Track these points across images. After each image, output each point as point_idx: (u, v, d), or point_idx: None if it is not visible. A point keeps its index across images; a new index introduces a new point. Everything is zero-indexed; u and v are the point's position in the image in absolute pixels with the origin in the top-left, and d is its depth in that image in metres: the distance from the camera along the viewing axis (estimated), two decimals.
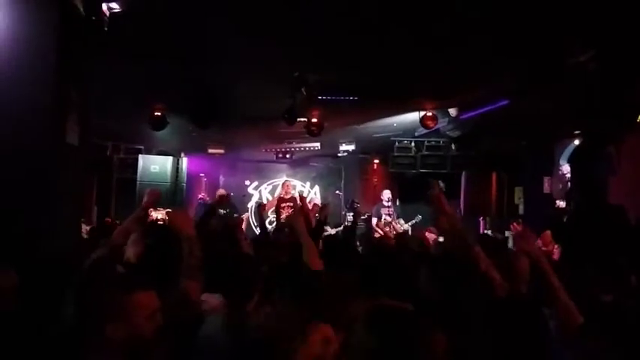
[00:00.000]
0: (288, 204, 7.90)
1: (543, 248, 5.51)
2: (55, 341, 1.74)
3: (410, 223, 8.62)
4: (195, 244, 2.12)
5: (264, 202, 10.02)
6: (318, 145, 9.03)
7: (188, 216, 2.42)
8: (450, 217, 2.55)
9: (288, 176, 11.87)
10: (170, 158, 9.05)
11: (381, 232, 8.29)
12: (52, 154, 3.26)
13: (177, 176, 9.10)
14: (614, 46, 4.22)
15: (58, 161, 3.34)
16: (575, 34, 4.22)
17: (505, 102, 6.05)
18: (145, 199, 2.87)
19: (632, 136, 6.04)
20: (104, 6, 3.71)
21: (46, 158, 3.20)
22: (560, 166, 8.34)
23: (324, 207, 4.26)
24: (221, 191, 8.66)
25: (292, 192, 8.43)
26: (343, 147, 9.34)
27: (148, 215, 3.64)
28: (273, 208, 7.88)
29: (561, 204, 7.63)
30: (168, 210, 4.16)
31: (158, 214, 7.14)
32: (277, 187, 11.29)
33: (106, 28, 3.71)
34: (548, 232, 5.65)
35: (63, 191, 3.41)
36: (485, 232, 9.00)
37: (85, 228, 5.89)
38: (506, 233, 7.79)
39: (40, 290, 2.15)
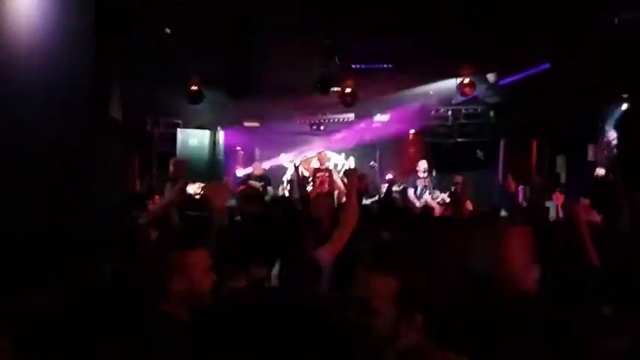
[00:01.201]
0: (323, 174, 7.96)
1: (587, 218, 5.36)
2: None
3: (447, 194, 8.50)
4: (224, 216, 2.21)
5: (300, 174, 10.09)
6: (352, 115, 8.98)
7: (223, 189, 2.43)
8: None
9: (322, 148, 11.90)
10: (207, 132, 9.23)
11: (418, 204, 8.19)
12: (93, 128, 3.40)
13: (214, 150, 9.29)
14: None
15: (100, 136, 3.49)
16: None
17: (546, 66, 5.82)
18: (171, 168, 2.98)
19: None
20: None
21: (88, 133, 3.34)
22: (606, 132, 7.99)
23: (362, 177, 4.28)
24: (257, 165, 8.78)
25: (327, 163, 8.47)
26: (378, 117, 9.25)
27: (186, 187, 3.74)
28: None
29: (601, 172, 7.31)
30: (203, 184, 4.30)
31: (192, 189, 7.33)
32: (313, 160, 11.37)
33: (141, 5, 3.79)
34: (586, 202, 5.47)
35: (108, 163, 3.57)
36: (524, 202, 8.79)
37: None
38: (547, 203, 7.59)
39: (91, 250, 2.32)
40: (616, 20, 4.29)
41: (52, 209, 2.93)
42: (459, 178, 8.10)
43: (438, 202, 7.76)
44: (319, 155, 8.67)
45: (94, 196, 3.24)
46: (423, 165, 8.69)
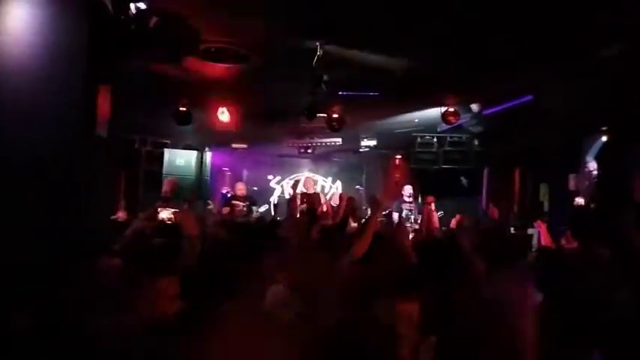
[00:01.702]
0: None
1: (567, 246, 5.45)
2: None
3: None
4: (196, 244, 2.21)
5: (287, 196, 10.13)
6: (339, 140, 9.10)
7: (192, 216, 2.46)
8: None
9: (310, 171, 11.98)
10: (195, 152, 9.28)
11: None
12: (83, 146, 3.40)
13: (201, 170, 9.32)
14: None
15: (89, 153, 3.49)
16: (601, 28, 4.16)
17: (529, 97, 5.99)
18: (165, 187, 3.00)
19: None
20: (132, 5, 3.85)
21: (77, 150, 3.35)
22: (587, 163, 8.18)
23: (350, 200, 4.39)
24: (240, 185, 8.79)
25: (314, 187, 8.53)
26: (364, 142, 9.38)
27: (157, 214, 3.74)
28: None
29: (580, 201, 7.48)
30: (175, 210, 4.36)
31: (165, 214, 7.30)
32: (299, 182, 11.41)
33: (133, 27, 3.86)
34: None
35: (93, 182, 3.57)
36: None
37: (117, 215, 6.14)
38: (530, 230, 7.69)
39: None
40: (596, 56, 4.46)
41: (36, 226, 2.92)
42: (430, 199, 8.28)
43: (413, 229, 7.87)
44: (306, 180, 8.73)
45: (80, 215, 3.23)
46: (408, 190, 8.80)
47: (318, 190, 11.92)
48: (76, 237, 3.00)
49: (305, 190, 8.40)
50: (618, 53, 4.17)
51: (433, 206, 6.06)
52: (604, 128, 7.24)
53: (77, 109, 3.34)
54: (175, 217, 2.73)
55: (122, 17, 3.85)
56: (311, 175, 11.94)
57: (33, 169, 3.02)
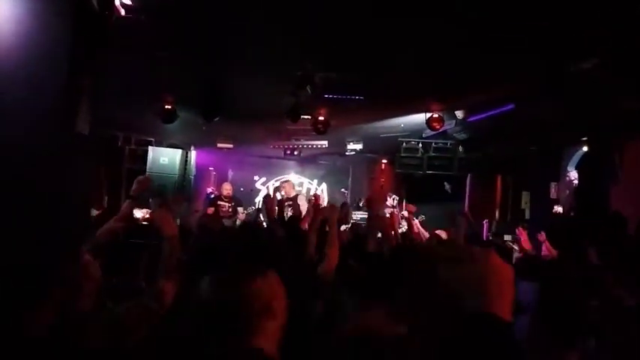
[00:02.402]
0: (289, 203, 8.04)
1: (547, 253, 5.55)
2: None
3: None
4: (177, 244, 2.13)
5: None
6: (325, 143, 9.12)
7: (170, 216, 2.37)
8: None
9: (296, 173, 12.00)
10: (179, 151, 9.21)
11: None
12: (62, 143, 3.36)
13: (185, 169, 9.26)
14: (616, 54, 4.24)
15: (68, 150, 3.45)
16: (579, 41, 4.25)
17: (511, 106, 6.07)
18: (134, 187, 2.95)
19: (635, 144, 6.03)
20: (117, 1, 3.83)
21: (55, 148, 3.31)
22: (568, 172, 8.32)
23: (343, 206, 4.43)
24: (226, 186, 8.77)
25: (293, 191, 8.53)
26: (350, 146, 9.41)
27: (132, 214, 3.66)
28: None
29: (559, 209, 7.62)
30: (150, 210, 4.30)
31: (139, 214, 7.19)
32: (278, 191, 11.38)
33: (118, 23, 3.83)
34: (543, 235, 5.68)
35: (72, 179, 3.53)
36: (489, 236, 9.01)
37: (95, 212, 6.08)
38: (506, 237, 7.81)
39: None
40: (573, 69, 4.56)
41: (10, 225, 2.88)
42: (411, 208, 8.45)
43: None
44: (285, 185, 8.73)
45: (56, 213, 3.20)
46: (390, 201, 9.00)
47: (304, 191, 11.97)
48: (52, 236, 2.96)
49: (285, 195, 8.48)
50: (594, 66, 4.26)
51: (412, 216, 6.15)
52: (584, 139, 7.39)
53: (57, 106, 3.30)
54: (152, 217, 2.65)
55: (107, 13, 3.83)
56: (296, 177, 11.97)
57: (9, 167, 2.97)
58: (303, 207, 7.52)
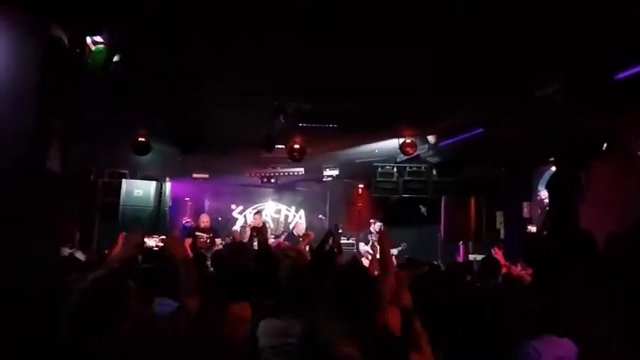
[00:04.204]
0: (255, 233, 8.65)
1: (523, 272, 5.63)
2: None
3: (396, 250, 8.72)
4: (192, 265, 2.30)
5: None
6: (302, 170, 9.17)
7: (179, 241, 2.67)
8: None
9: (273, 200, 11.97)
10: (153, 183, 9.11)
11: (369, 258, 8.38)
12: (32, 180, 3.31)
13: (160, 200, 9.14)
14: (578, 79, 4.45)
15: (38, 187, 3.39)
16: (542, 68, 4.45)
17: (480, 130, 6.26)
18: (120, 243, 2.96)
19: (599, 164, 6.27)
20: (88, 39, 3.83)
21: (26, 185, 3.25)
22: (539, 191, 8.54)
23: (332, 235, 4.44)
24: (204, 217, 8.72)
25: (261, 220, 9.35)
26: (327, 172, 9.49)
27: (144, 242, 3.78)
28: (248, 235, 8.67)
29: (532, 229, 7.79)
30: (163, 237, 4.48)
31: (151, 241, 7.22)
32: (262, 212, 11.42)
33: (89, 61, 3.83)
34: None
35: (41, 218, 3.45)
36: (470, 257, 9.12)
37: (66, 251, 5.91)
38: (470, 256, 7.93)
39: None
40: (537, 94, 4.75)
41: None
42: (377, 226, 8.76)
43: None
44: (255, 216, 9.31)
45: (22, 252, 3.11)
46: (376, 227, 9.17)
47: (281, 219, 11.97)
48: (19, 275, 2.88)
49: (253, 224, 8.94)
50: (556, 91, 4.46)
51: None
52: (551, 159, 7.64)
53: (26, 143, 3.26)
54: (163, 243, 2.91)
55: (77, 51, 3.83)
56: (274, 204, 11.96)
57: None
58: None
